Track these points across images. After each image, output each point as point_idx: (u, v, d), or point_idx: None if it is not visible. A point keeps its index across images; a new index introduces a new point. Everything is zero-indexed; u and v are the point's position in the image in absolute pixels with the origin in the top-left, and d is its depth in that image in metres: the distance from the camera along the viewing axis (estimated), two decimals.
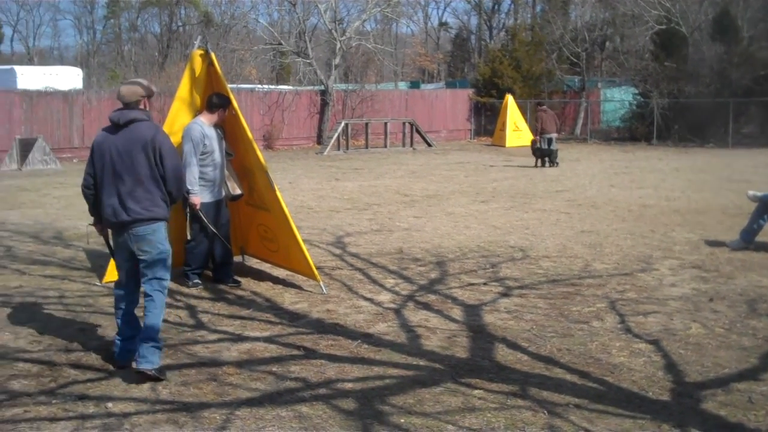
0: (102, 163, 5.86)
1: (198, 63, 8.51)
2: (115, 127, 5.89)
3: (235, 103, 8.56)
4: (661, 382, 5.73)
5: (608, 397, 5.43)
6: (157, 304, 5.92)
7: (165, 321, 7.21)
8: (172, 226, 8.58)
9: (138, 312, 6.17)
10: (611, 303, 7.93)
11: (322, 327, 7.12)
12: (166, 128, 8.60)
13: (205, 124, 8.31)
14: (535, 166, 23.23)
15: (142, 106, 5.97)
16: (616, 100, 40.37)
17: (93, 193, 6.00)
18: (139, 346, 5.74)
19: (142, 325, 5.97)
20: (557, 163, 23.38)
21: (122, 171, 5.78)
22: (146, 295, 5.94)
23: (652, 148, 31.74)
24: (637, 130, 35.62)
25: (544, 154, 23.30)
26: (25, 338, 6.75)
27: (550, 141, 23.66)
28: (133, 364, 5.79)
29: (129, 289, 6.10)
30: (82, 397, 5.39)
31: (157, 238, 5.91)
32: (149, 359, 5.69)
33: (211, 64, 8.55)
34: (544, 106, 25.33)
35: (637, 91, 36.90)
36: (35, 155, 23.75)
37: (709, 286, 8.62)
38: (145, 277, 5.96)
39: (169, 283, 6.09)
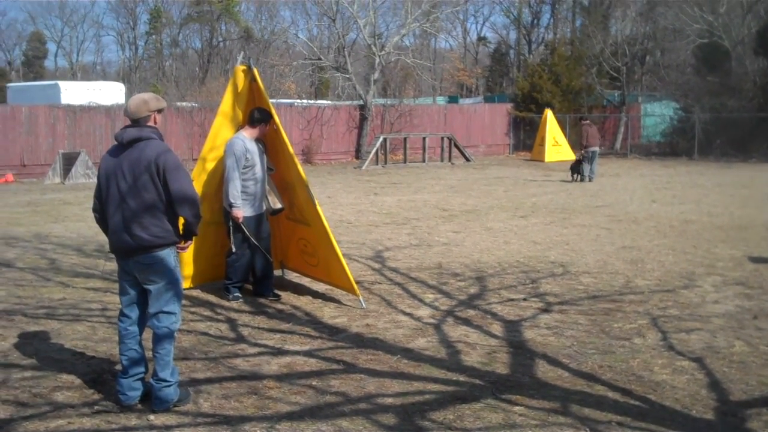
0: (107, 186, 5.45)
1: (241, 78, 8.59)
2: (119, 147, 5.44)
3: (276, 118, 8.62)
4: (704, 400, 5.65)
5: (651, 415, 5.37)
6: (167, 348, 5.45)
7: (205, 334, 7.29)
8: (208, 240, 8.71)
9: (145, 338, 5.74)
10: (653, 320, 7.84)
11: (361, 341, 7.12)
12: (208, 143, 8.74)
13: (247, 138, 8.37)
14: (572, 180, 23.21)
15: (151, 123, 5.50)
16: (657, 114, 40.03)
17: (101, 218, 5.61)
18: (153, 390, 5.43)
19: (147, 358, 5.64)
20: (592, 179, 23.32)
21: (126, 194, 5.33)
22: (154, 336, 5.49)
23: (694, 163, 31.41)
24: (678, 145, 35.31)
25: (576, 172, 23.30)
26: (69, 350, 6.83)
27: (594, 155, 23.53)
28: (153, 408, 5.44)
29: (134, 319, 5.58)
30: (125, 410, 5.42)
31: (165, 266, 5.43)
32: (164, 400, 5.40)
33: (253, 79, 8.63)
34: (588, 120, 25.20)
35: (678, 106, 36.58)
36: (78, 169, 24.11)
37: (753, 303, 8.50)
38: (151, 310, 5.49)
39: (180, 318, 5.63)
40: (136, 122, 5.46)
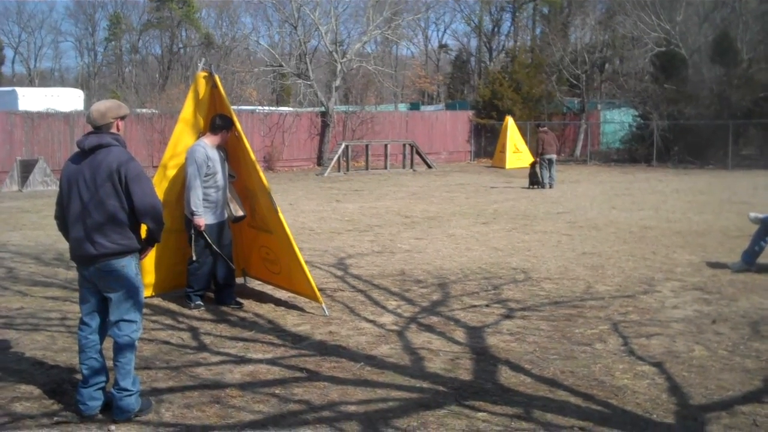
0: (68, 193, 5.36)
1: (202, 85, 8.55)
2: (81, 154, 5.37)
3: (238, 125, 8.59)
4: (665, 404, 5.71)
5: (613, 419, 5.41)
6: (128, 357, 5.37)
7: (167, 343, 7.23)
8: (170, 248, 8.65)
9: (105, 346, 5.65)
10: (614, 325, 7.91)
11: (324, 349, 7.10)
12: (169, 150, 8.68)
13: (209, 145, 8.33)
14: (530, 187, 23.41)
15: (114, 129, 5.43)
16: (616, 121, 40.50)
17: (63, 225, 5.52)
18: (114, 400, 5.35)
19: (108, 367, 5.56)
20: (552, 185, 23.54)
21: (88, 202, 5.26)
22: (115, 345, 5.40)
23: (652, 170, 31.80)
24: (637, 151, 35.74)
25: (534, 183, 23.46)
26: (28, 360, 6.73)
27: (550, 162, 23.74)
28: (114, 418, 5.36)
29: (94, 328, 5.49)
30: (85, 420, 5.36)
31: (127, 273, 5.36)
32: (125, 410, 5.33)
33: (214, 86, 8.59)
34: (545, 128, 25.42)
35: (636, 113, 37.06)
36: (36, 176, 23.81)
37: (712, 308, 8.61)
38: (112, 319, 5.41)
39: (141, 327, 5.55)
40: (99, 129, 5.40)
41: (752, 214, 11.37)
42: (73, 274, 10.46)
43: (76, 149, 5.46)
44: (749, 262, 10.68)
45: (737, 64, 34.07)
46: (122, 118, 5.51)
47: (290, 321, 8.12)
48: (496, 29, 61.72)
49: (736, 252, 11.44)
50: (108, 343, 5.61)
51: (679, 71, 35.29)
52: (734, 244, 12.50)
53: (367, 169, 31.04)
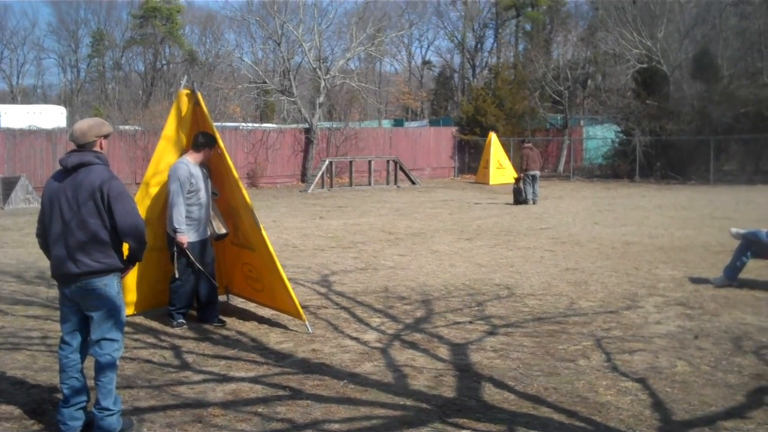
0: (50, 210, 5.35)
1: (184, 102, 8.54)
2: (64, 172, 5.36)
3: (220, 143, 8.57)
4: (648, 420, 5.72)
5: None
6: (109, 376, 5.33)
7: (149, 361, 7.18)
8: (152, 266, 8.61)
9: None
10: (597, 341, 7.92)
11: (307, 367, 7.07)
12: (151, 167, 8.65)
13: (191, 163, 8.31)
14: (516, 203, 23.49)
15: (97, 148, 5.41)
16: (599, 137, 40.70)
17: (45, 243, 5.50)
18: (95, 419, 5.31)
19: (89, 387, 5.51)
20: (535, 201, 23.63)
21: (70, 220, 5.24)
22: (97, 364, 5.35)
23: (635, 186, 31.96)
24: (620, 167, 35.93)
25: (519, 201, 23.52)
26: (8, 380, 6.67)
27: (534, 178, 23.84)
28: None
29: (75, 347, 5.45)
30: None
31: (109, 292, 5.34)
32: (107, 430, 5.29)
33: (197, 103, 8.58)
34: (530, 144, 25.52)
35: (619, 129, 37.26)
36: (18, 194, 23.67)
37: (694, 324, 8.64)
38: (93, 338, 5.36)
39: (122, 346, 5.53)
40: (82, 147, 5.38)
41: (734, 230, 11.44)
42: (54, 292, 10.39)
43: (58, 166, 5.44)
44: (731, 278, 10.73)
45: (718, 81, 34.37)
46: (105, 136, 5.49)
47: (273, 339, 8.08)
48: (479, 46, 62.17)
49: (718, 267, 11.50)
50: (89, 362, 5.55)
51: (660, 87, 35.56)
52: (716, 259, 12.56)
53: (350, 185, 31.06)
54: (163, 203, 8.54)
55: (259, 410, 5.92)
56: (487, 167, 33.67)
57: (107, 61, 70.59)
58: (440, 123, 48.40)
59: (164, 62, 67.94)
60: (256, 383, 6.59)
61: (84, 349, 5.52)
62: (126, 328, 5.86)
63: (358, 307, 9.53)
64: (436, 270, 12.11)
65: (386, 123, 56.45)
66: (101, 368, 5.34)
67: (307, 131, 34.26)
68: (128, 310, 8.06)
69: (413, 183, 32.55)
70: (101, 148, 5.47)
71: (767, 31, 36.09)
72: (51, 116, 35.06)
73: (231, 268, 9.46)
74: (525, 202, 23.47)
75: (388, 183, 32.18)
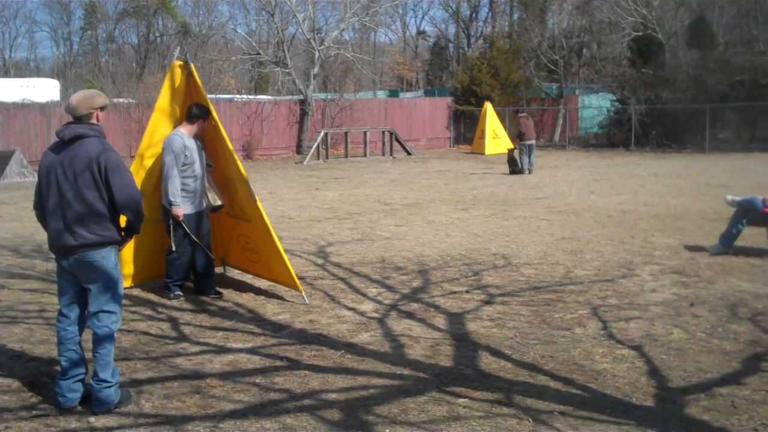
0: (47, 182, 5.34)
1: (177, 74, 8.49)
2: (60, 144, 5.34)
3: (214, 114, 8.54)
4: (644, 387, 5.75)
5: (592, 403, 5.44)
6: (107, 348, 5.35)
7: (146, 333, 7.20)
8: (148, 238, 8.60)
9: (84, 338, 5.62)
10: (593, 309, 7.95)
11: (305, 337, 7.09)
12: (146, 140, 8.61)
13: (185, 135, 8.28)
14: (511, 173, 23.45)
15: (94, 120, 5.40)
16: (594, 106, 40.61)
17: (42, 215, 5.48)
18: (93, 391, 5.32)
19: (87, 359, 5.52)
20: (531, 171, 23.60)
21: (67, 192, 5.23)
22: (94, 336, 5.37)
23: (630, 154, 31.94)
24: (615, 136, 35.87)
25: (514, 171, 23.48)
26: (6, 353, 6.69)
27: (530, 147, 23.79)
28: (93, 410, 5.34)
29: (73, 319, 5.47)
30: (64, 412, 5.33)
31: (107, 264, 5.33)
32: (105, 402, 5.31)
33: (190, 74, 8.53)
34: (524, 113, 25.41)
35: (614, 98, 37.15)
36: (12, 168, 23.57)
37: (690, 291, 8.67)
38: (91, 310, 5.37)
39: (120, 318, 5.53)
40: (78, 119, 5.36)
41: (729, 197, 11.45)
42: (51, 265, 10.39)
43: (53, 140, 5.42)
44: (727, 245, 10.76)
45: (713, 48, 34.26)
46: (101, 108, 5.47)
47: (270, 310, 8.10)
48: (474, 15, 61.76)
49: (713, 235, 11.52)
50: (87, 335, 5.56)
51: (656, 56, 35.45)
52: (712, 227, 12.59)
53: (346, 156, 30.98)
54: (158, 175, 8.51)
55: (257, 381, 5.94)
56: (482, 137, 33.56)
57: (100, 34, 70.18)
58: (435, 93, 48.20)
59: (157, 34, 67.49)
60: (254, 354, 6.61)
61: (82, 322, 5.53)
62: (123, 301, 5.85)
63: (354, 278, 9.54)
64: (432, 240, 12.12)
65: (381, 94, 56.25)
66: (99, 340, 5.35)
67: (302, 103, 34.11)
68: (125, 283, 8.06)
69: (409, 154, 32.48)
70: (97, 120, 5.45)
71: None
72: (44, 90, 34.82)
73: (227, 240, 9.45)
74: (521, 171, 23.45)
75: (383, 154, 32.10)
